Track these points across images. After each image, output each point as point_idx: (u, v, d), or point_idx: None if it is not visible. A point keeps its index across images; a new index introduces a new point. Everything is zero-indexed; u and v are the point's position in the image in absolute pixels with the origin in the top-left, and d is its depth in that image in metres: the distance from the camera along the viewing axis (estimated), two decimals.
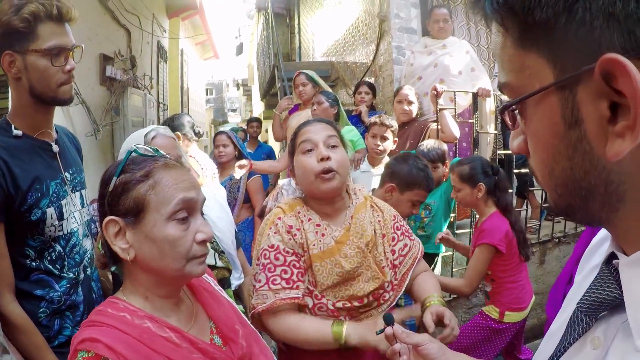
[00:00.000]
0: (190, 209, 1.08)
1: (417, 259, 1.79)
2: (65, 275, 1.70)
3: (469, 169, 2.62)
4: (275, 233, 1.65)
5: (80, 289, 1.76)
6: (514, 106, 0.61)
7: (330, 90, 4.50)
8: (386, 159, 3.34)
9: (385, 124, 3.26)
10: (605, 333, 0.59)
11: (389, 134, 3.28)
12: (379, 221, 1.75)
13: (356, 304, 1.62)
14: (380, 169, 3.26)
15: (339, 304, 1.61)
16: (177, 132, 3.06)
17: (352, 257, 1.63)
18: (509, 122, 0.64)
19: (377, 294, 1.66)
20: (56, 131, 1.80)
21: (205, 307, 1.23)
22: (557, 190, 0.59)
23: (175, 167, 1.11)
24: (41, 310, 1.63)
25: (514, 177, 4.26)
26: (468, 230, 3.93)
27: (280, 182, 3.03)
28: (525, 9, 0.52)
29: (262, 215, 3.22)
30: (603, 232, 0.75)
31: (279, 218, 1.68)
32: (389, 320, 1.20)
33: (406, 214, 2.36)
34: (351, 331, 1.48)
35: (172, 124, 3.15)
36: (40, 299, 1.63)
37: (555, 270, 4.27)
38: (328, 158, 1.62)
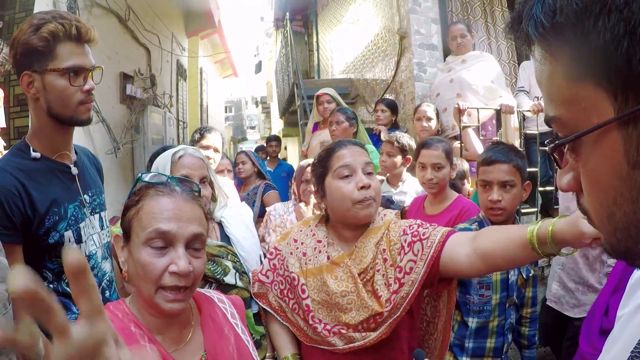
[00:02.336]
0: (168, 239, 1.09)
1: (435, 257, 1.51)
2: None
3: (449, 147, 2.67)
4: (286, 244, 1.74)
5: None
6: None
7: (350, 109, 4.47)
8: (406, 176, 3.28)
9: (389, 140, 3.23)
10: None
11: (394, 150, 3.21)
12: (384, 250, 1.61)
13: (351, 333, 1.54)
14: (396, 188, 3.20)
15: (335, 329, 1.56)
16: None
17: (342, 281, 1.59)
18: (558, 159, 0.58)
19: (368, 326, 1.54)
20: (76, 152, 1.78)
21: (204, 334, 1.22)
22: (617, 235, 0.52)
23: (166, 195, 1.13)
24: None
25: (539, 194, 4.14)
26: None
27: (268, 209, 3.06)
28: (578, 33, 0.46)
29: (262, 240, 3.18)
30: None
31: (289, 231, 1.78)
32: (420, 357, 1.13)
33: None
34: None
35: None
36: None
37: None
38: (369, 186, 1.59)
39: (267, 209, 3.09)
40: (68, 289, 1.62)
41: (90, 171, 1.85)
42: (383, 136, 3.41)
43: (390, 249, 1.62)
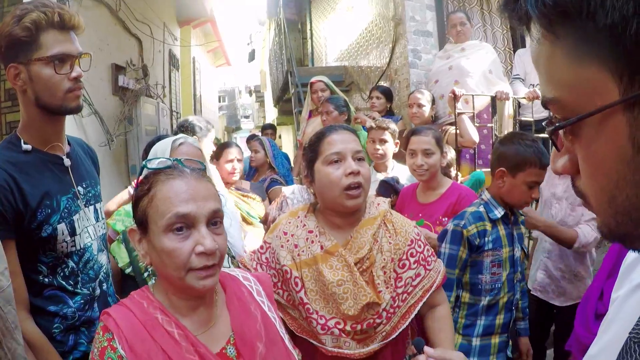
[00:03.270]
0: (188, 221, 1.08)
1: (430, 291, 1.67)
2: (80, 291, 1.66)
3: (439, 135, 2.67)
4: (275, 237, 1.70)
5: (96, 305, 1.71)
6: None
7: (343, 95, 4.46)
8: (392, 164, 3.26)
9: (381, 126, 3.17)
10: None
11: (387, 137, 3.17)
12: (390, 243, 1.64)
13: (349, 328, 1.55)
14: (385, 175, 3.19)
15: (331, 322, 1.56)
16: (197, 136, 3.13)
17: (337, 270, 1.58)
18: (557, 142, 0.57)
19: (372, 322, 1.56)
20: (69, 143, 1.76)
21: (230, 315, 1.21)
22: (617, 218, 0.51)
23: (178, 178, 1.11)
24: (55, 326, 1.60)
25: None
26: None
27: (285, 190, 2.99)
28: (583, 12, 0.44)
29: (265, 222, 3.19)
30: None
31: (278, 224, 1.74)
32: (419, 345, 1.12)
33: (525, 200, 2.12)
34: None
35: (186, 131, 3.12)
36: (53, 315, 1.60)
37: None
38: (358, 173, 1.57)
39: (283, 190, 3.03)
40: (63, 282, 1.62)
41: (85, 162, 1.83)
42: (368, 124, 3.37)
43: (395, 250, 1.64)
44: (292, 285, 1.62)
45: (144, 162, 1.18)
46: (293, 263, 1.63)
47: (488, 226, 2.07)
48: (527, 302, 2.45)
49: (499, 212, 2.09)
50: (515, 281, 2.18)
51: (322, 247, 1.62)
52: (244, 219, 3.19)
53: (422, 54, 4.96)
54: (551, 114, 0.55)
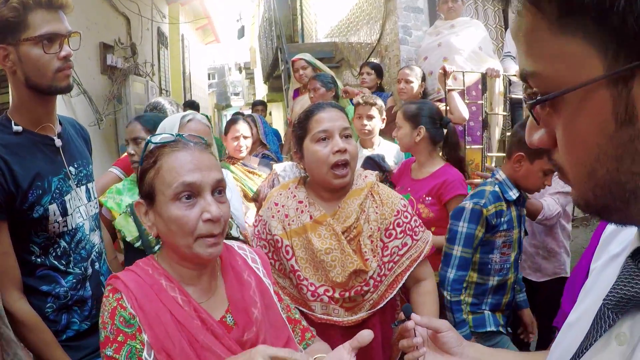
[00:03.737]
0: (194, 190, 1.11)
1: (417, 261, 1.72)
2: (72, 270, 1.68)
3: (414, 109, 2.56)
4: (267, 209, 1.76)
5: (88, 284, 1.73)
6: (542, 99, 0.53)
7: (330, 71, 4.44)
8: (378, 140, 3.27)
9: (369, 102, 3.15)
10: (632, 330, 0.56)
11: (374, 112, 3.16)
12: (377, 213, 1.69)
13: (337, 295, 1.62)
14: (372, 151, 3.20)
15: (321, 289, 1.62)
16: None
17: (325, 238, 1.64)
18: (537, 116, 0.56)
19: (360, 290, 1.62)
20: (60, 123, 1.76)
21: (225, 285, 1.25)
22: (596, 192, 0.52)
23: (183, 149, 1.15)
24: (48, 305, 1.62)
25: None
26: None
27: (276, 167, 2.97)
28: None
29: (256, 199, 3.19)
30: None
31: (271, 196, 1.81)
32: (407, 311, 1.13)
33: (538, 186, 2.16)
34: None
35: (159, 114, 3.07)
36: (46, 294, 1.62)
37: None
38: (345, 151, 1.61)
39: (275, 167, 3.00)
40: (55, 262, 1.64)
41: (77, 142, 1.83)
42: (355, 100, 3.37)
43: (381, 220, 1.69)
44: (283, 253, 1.68)
45: (148, 138, 1.20)
46: (284, 232, 1.69)
47: (504, 206, 2.08)
48: (522, 275, 2.51)
49: (514, 194, 2.10)
50: (519, 261, 2.23)
51: (311, 217, 1.68)
52: (247, 196, 3.21)
53: (412, 31, 4.93)
54: (525, 87, 0.56)
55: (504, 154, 3.94)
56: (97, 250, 1.81)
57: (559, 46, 0.48)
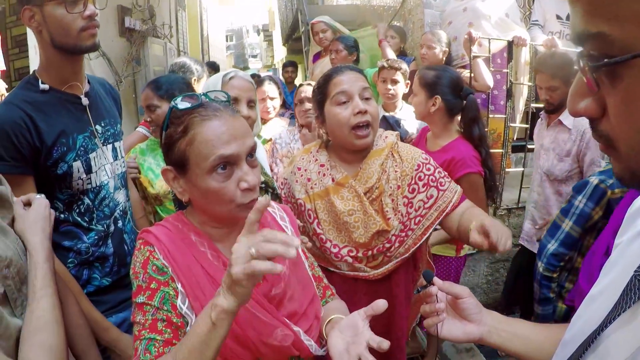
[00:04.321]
0: (232, 160, 1.09)
1: (446, 212, 1.70)
2: (94, 227, 1.73)
3: (432, 76, 2.38)
4: (291, 173, 1.79)
5: (110, 241, 1.78)
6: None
7: (350, 34, 4.36)
8: (401, 104, 3.23)
9: (393, 66, 3.11)
10: None
11: (399, 77, 3.13)
12: (396, 171, 1.69)
13: (361, 255, 1.64)
14: (393, 114, 3.18)
15: (344, 250, 1.65)
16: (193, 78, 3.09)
17: (347, 200, 1.66)
18: (591, 80, 0.52)
19: (382, 247, 1.64)
20: (89, 83, 1.78)
21: None
22: None
23: (215, 118, 1.10)
24: (69, 260, 1.67)
25: None
26: (497, 183, 3.81)
27: (273, 137, 2.98)
28: None
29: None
30: None
31: (295, 160, 1.83)
32: (429, 277, 1.13)
33: None
34: None
35: (184, 75, 3.05)
36: (68, 249, 1.67)
37: None
38: (365, 112, 1.61)
39: (272, 137, 3.01)
40: (78, 219, 1.68)
41: (105, 101, 1.86)
42: (379, 63, 3.31)
43: (402, 177, 1.68)
44: (306, 217, 1.71)
45: (172, 103, 1.15)
46: (307, 196, 1.72)
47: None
48: None
49: None
50: None
51: (333, 180, 1.69)
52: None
53: None
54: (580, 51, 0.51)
55: (527, 125, 3.89)
56: (121, 208, 1.84)
57: (632, 6, 0.44)
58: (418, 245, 1.68)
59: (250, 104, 1.88)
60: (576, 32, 0.50)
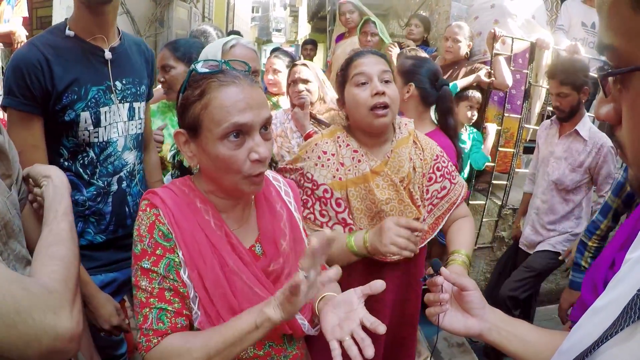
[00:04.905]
0: (245, 130, 1.07)
1: (456, 204, 1.76)
2: (95, 182, 1.73)
3: (410, 64, 2.41)
4: (307, 158, 1.71)
5: (110, 199, 1.78)
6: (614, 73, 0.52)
7: (377, 19, 4.35)
8: None
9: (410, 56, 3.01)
10: None
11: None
12: (421, 159, 1.72)
13: None
14: None
15: None
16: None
17: (384, 189, 1.65)
18: (607, 89, 0.56)
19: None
20: (121, 40, 1.78)
21: (257, 215, 1.25)
22: None
23: (233, 85, 1.08)
24: None
25: None
26: (505, 182, 3.82)
27: None
28: None
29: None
30: None
31: (316, 144, 1.73)
32: (436, 266, 1.13)
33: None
34: (369, 235, 1.54)
35: (205, 42, 3.00)
36: None
37: None
38: (383, 93, 1.60)
39: None
40: (81, 170, 1.70)
41: (134, 60, 1.84)
42: (395, 52, 3.29)
43: (424, 165, 1.72)
44: (333, 205, 1.67)
45: (192, 66, 1.13)
46: (335, 181, 1.67)
47: None
48: None
49: None
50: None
51: (368, 167, 1.67)
52: None
53: None
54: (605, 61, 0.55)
55: None
56: (128, 169, 1.83)
57: (638, 23, 0.47)
58: (432, 237, 1.73)
59: (254, 73, 1.83)
60: (598, 42, 0.54)
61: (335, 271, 1.03)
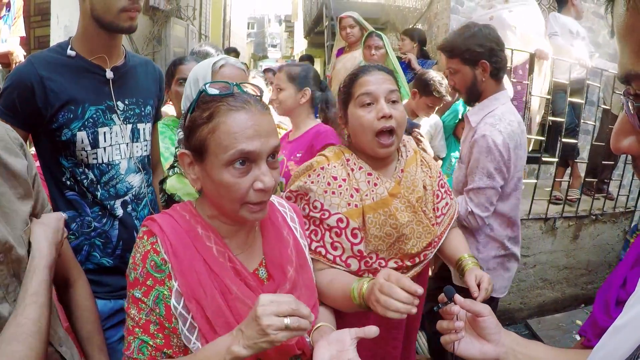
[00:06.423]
0: (251, 157, 1.05)
1: (454, 218, 1.73)
2: (99, 204, 1.69)
3: (300, 70, 2.49)
4: (312, 183, 1.54)
5: (116, 223, 1.73)
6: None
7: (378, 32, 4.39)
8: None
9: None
10: None
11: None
12: (430, 177, 1.67)
13: (408, 263, 1.57)
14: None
15: (391, 263, 1.55)
16: None
17: (402, 212, 1.55)
18: (637, 119, 0.53)
19: (425, 254, 1.61)
20: (126, 58, 1.75)
21: (263, 239, 1.23)
22: None
23: (242, 110, 1.05)
24: (70, 233, 1.64)
25: (561, 144, 4.05)
26: None
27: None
28: None
29: None
30: None
31: (322, 168, 1.57)
32: (449, 294, 1.12)
33: None
34: (366, 287, 1.30)
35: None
36: (70, 220, 1.65)
37: (587, 248, 4.16)
38: (390, 116, 1.50)
39: None
40: (84, 189, 1.66)
41: (140, 80, 1.81)
42: (414, 65, 3.33)
43: (432, 182, 1.67)
44: (348, 236, 1.52)
45: (202, 87, 1.10)
46: (352, 209, 1.53)
47: None
48: None
49: None
50: None
51: (385, 190, 1.57)
52: None
53: (464, 0, 4.75)
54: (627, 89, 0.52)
55: (542, 138, 3.88)
56: (134, 193, 1.78)
57: None
58: (435, 250, 1.67)
59: None
60: (623, 72, 0.51)
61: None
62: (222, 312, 1.06)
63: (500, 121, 2.15)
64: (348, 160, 1.60)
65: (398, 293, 1.12)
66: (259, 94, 1.15)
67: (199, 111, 1.08)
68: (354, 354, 1.04)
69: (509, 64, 3.63)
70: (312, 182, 1.55)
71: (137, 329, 1.05)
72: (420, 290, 1.12)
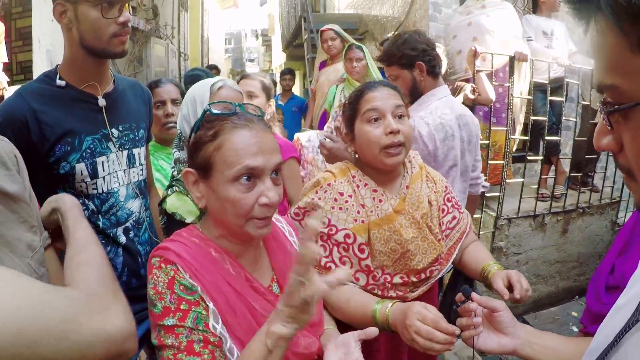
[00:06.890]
0: (256, 173, 1.08)
1: (466, 233, 1.74)
2: (101, 232, 1.66)
3: (269, 83, 2.58)
4: (319, 199, 1.57)
5: (121, 251, 1.72)
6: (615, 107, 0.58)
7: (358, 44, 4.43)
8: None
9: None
10: None
11: None
12: (435, 192, 1.68)
13: (414, 279, 1.59)
14: None
15: (397, 278, 1.57)
16: None
17: (407, 228, 1.57)
18: (610, 122, 0.62)
19: (432, 269, 1.62)
20: (114, 83, 1.74)
21: (269, 255, 1.26)
22: None
23: (246, 128, 1.09)
24: None
25: (544, 143, 4.14)
26: (498, 193, 3.86)
27: (300, 137, 2.84)
28: None
29: None
30: None
31: (329, 184, 1.59)
32: (467, 293, 1.20)
33: None
34: (391, 312, 1.36)
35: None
36: None
37: (576, 240, 4.26)
38: (398, 132, 1.53)
39: (298, 136, 2.83)
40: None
41: (130, 104, 1.80)
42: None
43: (438, 197, 1.69)
44: (355, 251, 1.55)
45: (206, 107, 1.14)
46: (358, 225, 1.55)
47: None
48: None
49: None
50: None
51: (390, 206, 1.58)
52: None
53: (442, 8, 4.84)
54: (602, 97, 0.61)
55: (526, 137, 3.97)
56: (134, 218, 1.77)
57: (638, 65, 0.52)
58: (447, 268, 1.70)
59: None
60: (597, 83, 0.59)
61: (344, 273, 0.97)
62: (253, 329, 1.06)
63: (430, 114, 2.26)
64: (354, 177, 1.62)
65: (438, 337, 1.17)
66: (259, 114, 1.20)
67: (204, 130, 1.11)
68: (359, 354, 1.11)
69: (489, 68, 3.73)
70: (320, 199, 1.58)
71: (180, 354, 1.01)
72: (457, 331, 1.19)
